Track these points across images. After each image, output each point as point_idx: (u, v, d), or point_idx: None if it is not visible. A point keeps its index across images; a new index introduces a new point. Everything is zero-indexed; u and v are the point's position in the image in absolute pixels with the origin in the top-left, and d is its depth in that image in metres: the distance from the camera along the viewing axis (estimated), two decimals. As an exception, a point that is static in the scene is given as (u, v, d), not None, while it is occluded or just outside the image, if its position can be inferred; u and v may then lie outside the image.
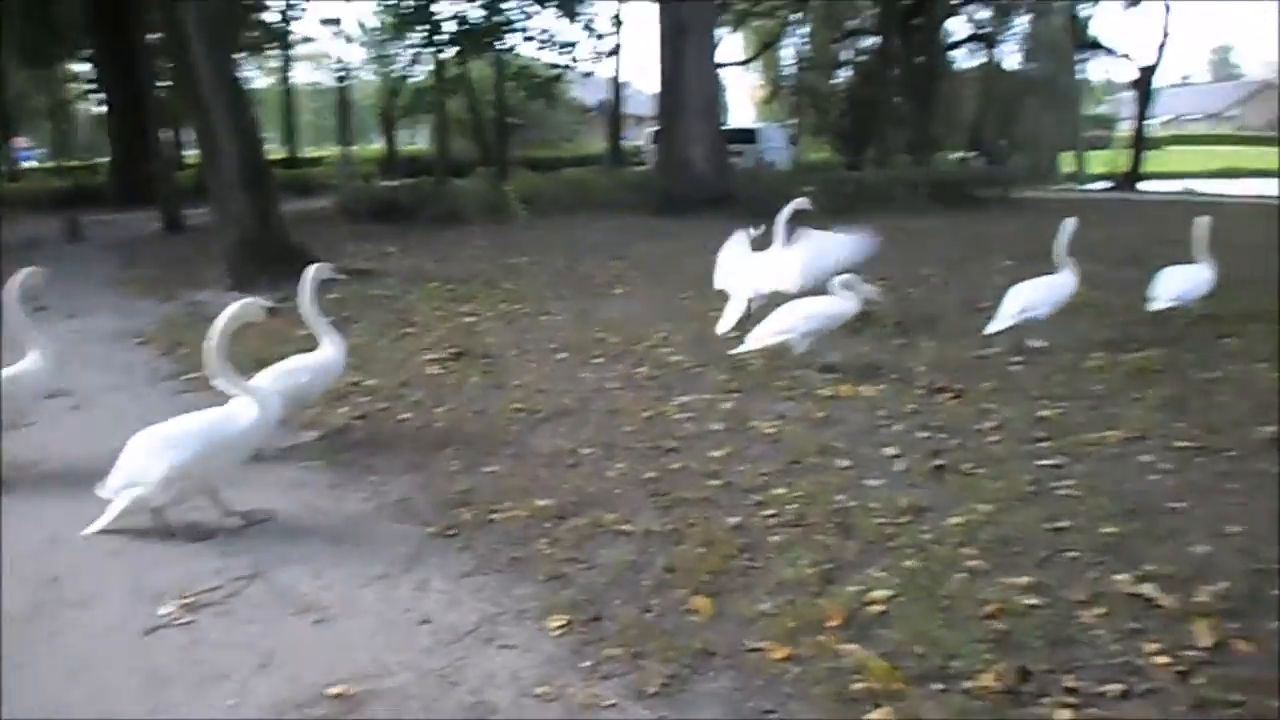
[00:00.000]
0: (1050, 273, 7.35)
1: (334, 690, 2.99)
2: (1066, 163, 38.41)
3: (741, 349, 6.73)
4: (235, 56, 13.64)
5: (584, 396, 6.23)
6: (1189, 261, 7.89)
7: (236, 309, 4.32)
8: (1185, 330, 7.80)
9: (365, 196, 19.30)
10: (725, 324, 7.62)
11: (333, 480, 4.87)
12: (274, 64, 37.17)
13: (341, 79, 33.26)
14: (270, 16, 24.56)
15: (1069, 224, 7.52)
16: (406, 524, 4.30)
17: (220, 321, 4.25)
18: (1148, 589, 3.46)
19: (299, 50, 37.93)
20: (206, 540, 4.17)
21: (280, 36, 24.32)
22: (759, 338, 6.66)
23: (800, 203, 8.40)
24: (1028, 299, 7.26)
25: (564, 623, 3.34)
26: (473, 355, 7.32)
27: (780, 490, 4.51)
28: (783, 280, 7.59)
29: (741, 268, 8.08)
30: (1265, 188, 30.78)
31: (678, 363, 7.04)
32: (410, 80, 36.31)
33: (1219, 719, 2.77)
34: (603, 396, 6.23)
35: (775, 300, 7.28)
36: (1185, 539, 3.92)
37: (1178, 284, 7.72)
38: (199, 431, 4.19)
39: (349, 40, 35.33)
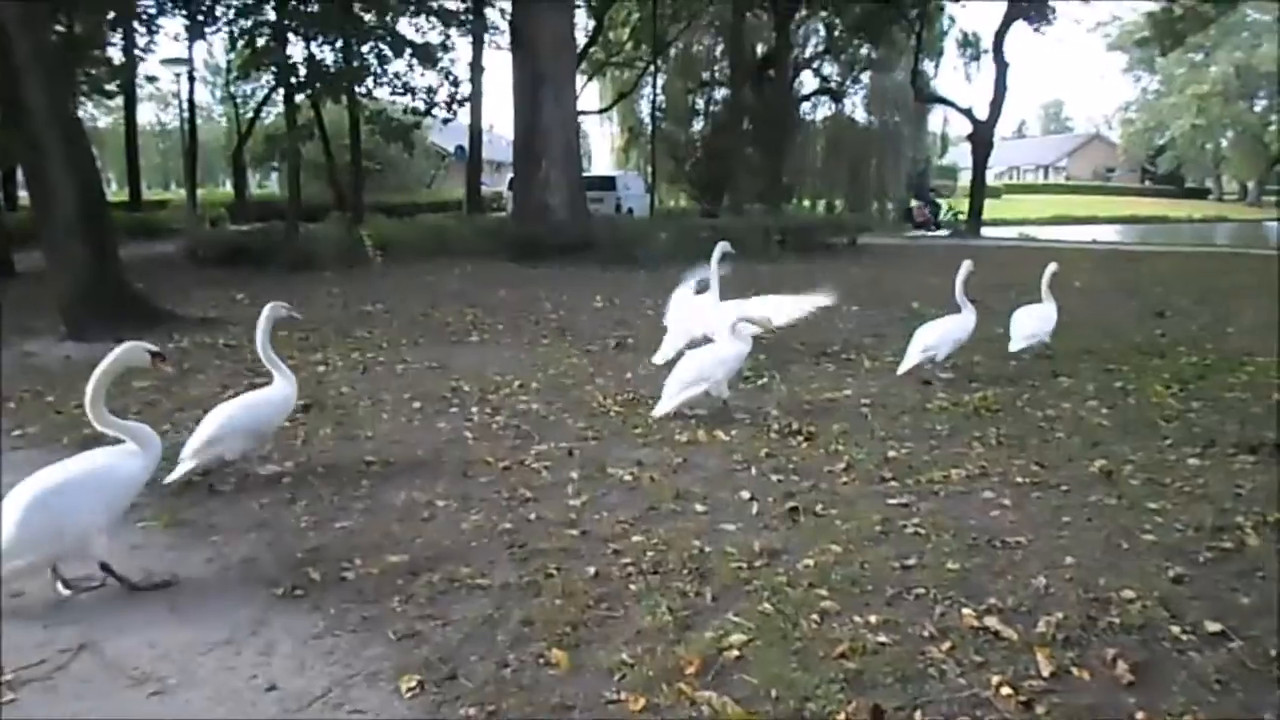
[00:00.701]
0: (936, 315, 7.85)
1: (171, 767, 2.83)
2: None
3: (660, 410, 6.63)
4: (74, 94, 13.02)
5: (439, 447, 6.12)
6: (1034, 302, 8.43)
7: (120, 353, 4.18)
8: (1022, 370, 8.23)
9: (214, 241, 18.68)
10: (660, 356, 8.35)
11: (172, 541, 4.61)
12: (116, 103, 35.79)
13: (188, 120, 32.24)
14: (112, 53, 23.57)
15: (966, 265, 8.07)
16: (251, 585, 4.10)
17: (104, 364, 4.11)
18: (991, 622, 3.60)
19: (143, 90, 36.73)
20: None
21: (122, 75, 23.38)
22: (672, 394, 6.61)
23: (724, 246, 8.92)
24: (930, 339, 7.76)
25: (417, 683, 3.24)
26: (324, 406, 7.12)
27: (638, 538, 4.51)
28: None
29: (686, 309, 8.86)
30: (1093, 233, 32.81)
31: (535, 411, 7.01)
32: (262, 122, 35.56)
33: (1058, 748, 2.88)
34: (458, 446, 6.14)
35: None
36: (1025, 571, 4.11)
37: (1032, 323, 8.36)
38: (97, 474, 4.00)
39: (194, 80, 34.25)
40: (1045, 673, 3.25)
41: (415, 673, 3.30)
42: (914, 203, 29.63)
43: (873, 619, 3.64)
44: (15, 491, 3.90)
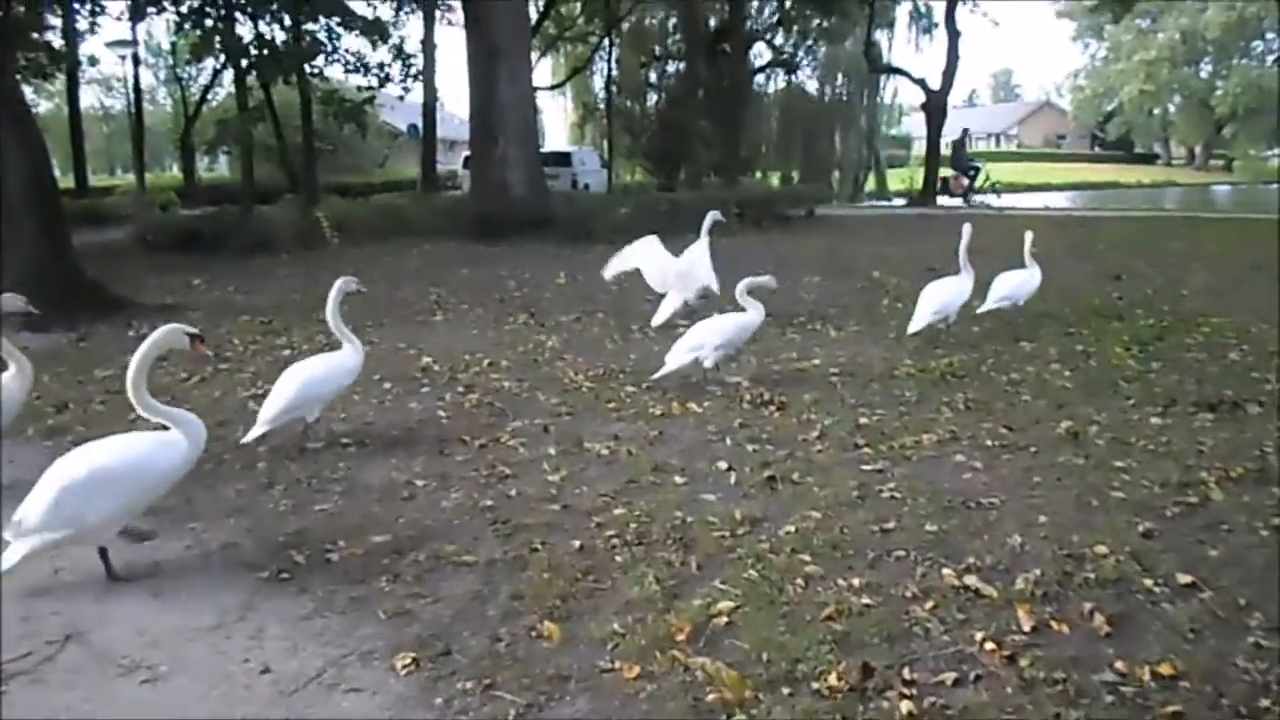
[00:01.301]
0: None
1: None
2: (879, 181, 40.46)
3: (659, 374, 6.79)
4: (14, 77, 12.65)
5: (413, 427, 6.13)
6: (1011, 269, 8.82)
7: (160, 336, 4.17)
8: (985, 335, 8.36)
9: (165, 227, 18.31)
10: (660, 318, 8.91)
11: (149, 529, 4.59)
12: (57, 87, 35.01)
13: (134, 103, 31.56)
14: (52, 36, 22.99)
15: (967, 230, 8.29)
16: (235, 570, 4.09)
17: (143, 348, 4.10)
18: (971, 580, 3.69)
19: (87, 73, 35.89)
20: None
21: (64, 59, 22.81)
22: (673, 360, 6.77)
23: (714, 215, 9.65)
24: (940, 300, 8.01)
25: (412, 660, 3.27)
26: (293, 390, 7.06)
27: (620, 510, 4.56)
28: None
29: (673, 267, 9.23)
30: (1045, 200, 33.16)
31: (507, 388, 7.01)
32: (210, 104, 34.91)
33: (1044, 696, 2.97)
34: (433, 426, 6.14)
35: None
36: (1000, 531, 4.21)
37: (1015, 285, 8.64)
38: (136, 464, 4.01)
39: (140, 63, 33.51)
40: (1026, 627, 3.35)
41: (409, 650, 3.33)
42: (949, 172, 28.98)
43: (856, 582, 3.73)
44: (61, 465, 3.95)
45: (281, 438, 5.68)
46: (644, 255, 9.41)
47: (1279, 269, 11.50)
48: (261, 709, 3.07)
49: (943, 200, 30.69)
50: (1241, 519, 4.33)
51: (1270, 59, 66.29)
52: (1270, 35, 63.92)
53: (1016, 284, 8.63)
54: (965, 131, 31.59)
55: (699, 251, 9.46)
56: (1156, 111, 72.28)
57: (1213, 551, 4.00)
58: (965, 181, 28.09)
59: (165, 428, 4.18)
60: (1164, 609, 3.50)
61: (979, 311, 8.54)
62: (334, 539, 4.33)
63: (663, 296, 9.35)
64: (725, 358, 6.97)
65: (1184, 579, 3.70)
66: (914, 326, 8.03)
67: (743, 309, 7.02)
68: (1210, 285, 11.57)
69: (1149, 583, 3.68)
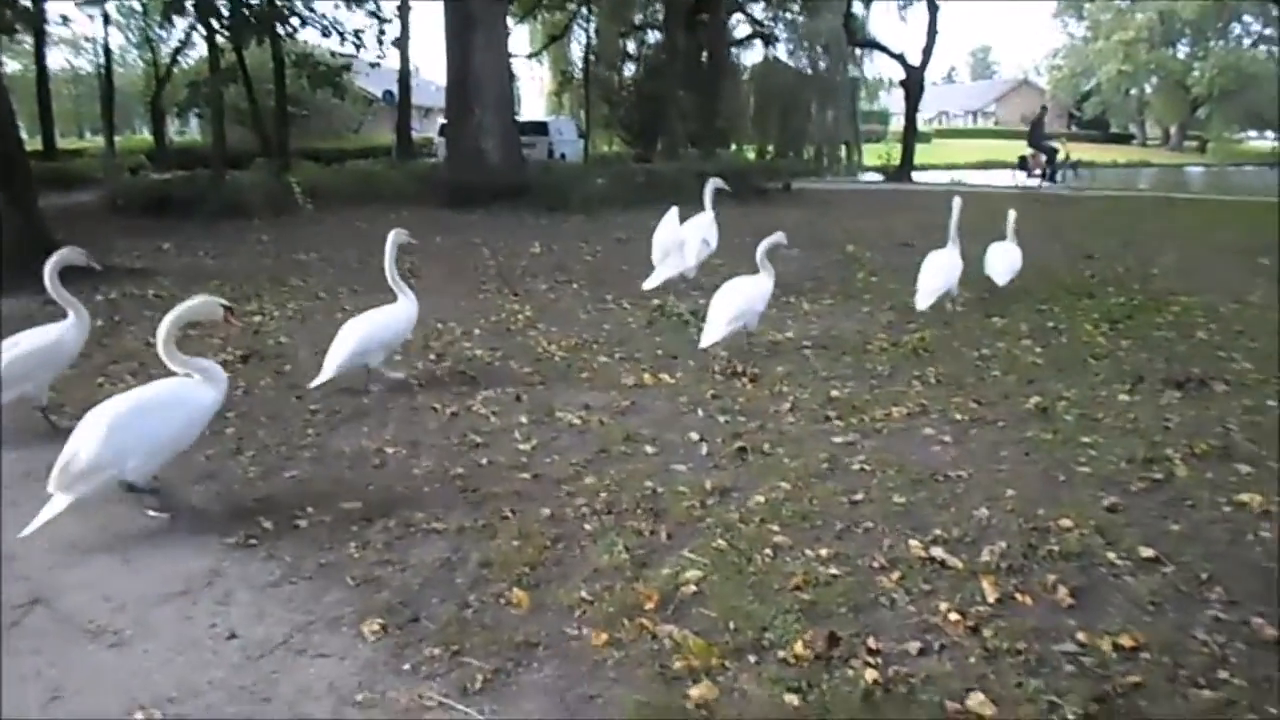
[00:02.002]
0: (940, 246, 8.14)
1: (138, 717, 2.82)
2: (851, 155, 40.34)
3: (707, 343, 6.76)
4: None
5: (384, 395, 6.09)
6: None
7: (195, 304, 4.38)
8: (957, 311, 8.40)
9: (136, 190, 18.05)
10: (652, 282, 9.13)
11: (116, 494, 4.55)
12: (25, 47, 34.37)
13: (104, 65, 31.05)
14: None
15: (957, 203, 8.52)
16: (203, 536, 4.07)
17: (177, 312, 4.29)
18: (938, 552, 3.73)
19: (55, 33, 35.27)
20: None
21: (31, 18, 22.36)
22: (715, 331, 6.73)
23: (715, 182, 9.71)
24: (942, 275, 8.13)
25: (380, 626, 3.27)
26: (263, 356, 7.02)
27: (590, 479, 4.57)
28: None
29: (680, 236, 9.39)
30: (1022, 178, 33.20)
31: (479, 357, 6.99)
32: (181, 66, 34.39)
33: (1007, 665, 3.01)
34: (404, 394, 6.11)
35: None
36: (967, 504, 4.25)
37: (1010, 260, 8.86)
38: (176, 405, 4.24)
39: (110, 22, 32.97)
40: (991, 599, 3.39)
41: (377, 616, 3.33)
42: (1028, 151, 28.67)
43: (824, 552, 3.75)
44: (97, 412, 4.08)
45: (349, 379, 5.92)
46: (662, 227, 9.63)
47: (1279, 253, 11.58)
48: (228, 674, 3.06)
49: (918, 176, 30.70)
50: (1204, 495, 4.39)
51: (1247, 42, 66.73)
52: (1247, 18, 64.27)
53: (1015, 258, 8.88)
54: (1044, 109, 31.09)
55: (705, 219, 9.61)
56: (1133, 92, 72.55)
57: (1175, 526, 4.05)
58: (1043, 159, 27.67)
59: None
60: (1126, 582, 3.55)
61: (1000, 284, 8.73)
62: (303, 505, 4.31)
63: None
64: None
65: (1146, 553, 3.75)
66: (924, 304, 8.08)
67: (746, 279, 7.14)
68: (1180, 265, 11.66)
69: (1112, 556, 3.73)
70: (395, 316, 6.23)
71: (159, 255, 12.00)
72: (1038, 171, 27.31)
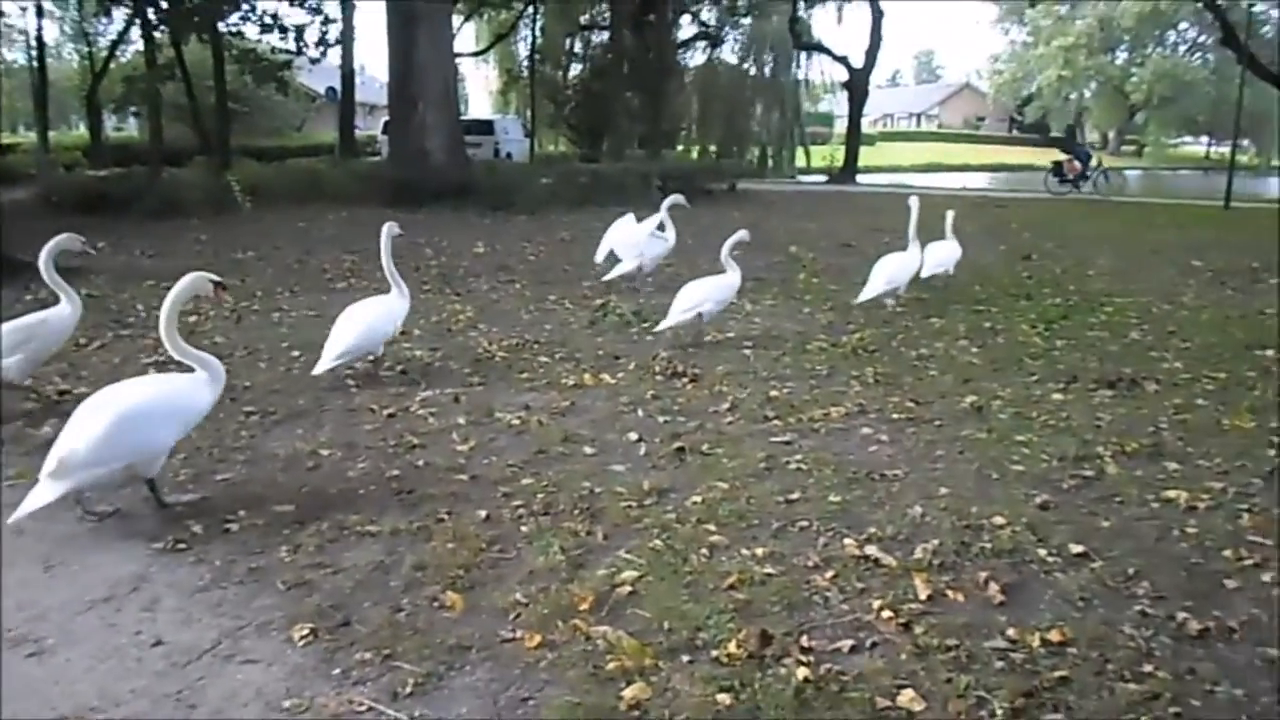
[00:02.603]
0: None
1: (56, 727, 2.75)
2: (791, 157, 40.62)
3: (661, 326, 7.23)
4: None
5: (320, 396, 6.00)
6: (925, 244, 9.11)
7: (187, 282, 4.40)
8: (896, 311, 8.49)
9: (70, 187, 17.64)
10: (612, 275, 9.51)
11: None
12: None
13: (37, 58, 30.31)
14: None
15: (914, 203, 8.70)
16: (130, 541, 3.97)
17: (172, 296, 4.31)
18: (872, 550, 3.76)
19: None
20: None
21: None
22: (673, 316, 7.15)
23: (675, 198, 9.91)
24: (890, 272, 8.42)
25: (310, 631, 3.21)
26: (198, 357, 6.88)
27: (528, 480, 4.54)
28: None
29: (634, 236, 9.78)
30: (964, 180, 33.70)
31: (419, 358, 6.93)
32: (118, 60, 33.62)
33: (937, 662, 3.04)
34: (341, 395, 6.03)
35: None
36: (902, 502, 4.29)
37: (943, 254, 9.28)
38: (178, 398, 4.25)
39: (43, 14, 32.19)
40: (923, 596, 3.42)
41: (307, 621, 3.27)
42: (1063, 156, 28.79)
43: (759, 551, 3.76)
44: (94, 402, 4.09)
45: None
46: (617, 228, 10.03)
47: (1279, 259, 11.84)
48: (152, 682, 2.99)
49: (862, 178, 30.97)
50: (1134, 492, 4.47)
51: (1183, 49, 68.30)
52: (1184, 26, 65.77)
53: (947, 254, 9.28)
54: (1079, 116, 31.57)
55: (650, 222, 9.92)
56: (1073, 96, 73.85)
57: (1105, 523, 4.12)
58: (1078, 166, 27.93)
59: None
60: (1056, 578, 3.60)
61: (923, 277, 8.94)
62: (234, 509, 4.22)
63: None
64: (716, 315, 7.49)
65: (1076, 549, 3.81)
66: (864, 296, 8.31)
67: (717, 277, 7.47)
68: (1116, 267, 11.91)
69: (1043, 552, 3.78)
70: (391, 308, 6.42)
71: (93, 254, 11.70)
72: (1070, 176, 27.67)
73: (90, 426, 3.93)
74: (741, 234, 7.65)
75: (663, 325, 7.19)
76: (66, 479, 3.87)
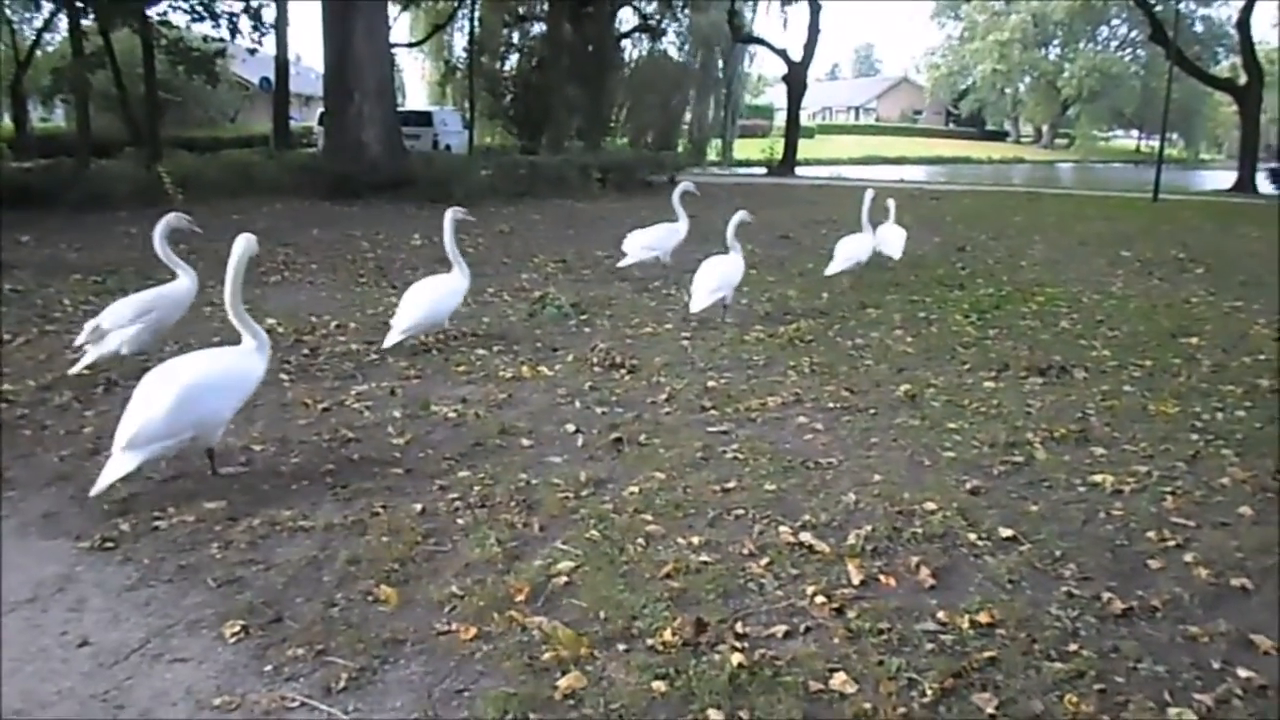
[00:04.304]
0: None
1: (-25, 730, 2.68)
2: (726, 149, 40.84)
3: (695, 309, 7.63)
4: None
5: (254, 390, 5.89)
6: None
7: (241, 246, 4.55)
8: (833, 301, 8.59)
9: (-8, 179, 17.19)
10: (626, 263, 9.84)
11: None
12: None
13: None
14: None
15: (869, 195, 9.42)
16: (55, 540, 3.88)
17: (234, 266, 4.49)
18: (806, 537, 3.80)
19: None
20: None
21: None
22: (700, 301, 7.60)
23: (685, 186, 10.00)
24: (853, 250, 9.30)
25: (241, 628, 3.17)
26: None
27: (464, 473, 4.52)
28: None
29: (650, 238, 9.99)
30: (901, 173, 34.14)
31: (355, 351, 6.85)
32: (44, 49, 32.71)
33: (869, 645, 3.08)
34: (274, 389, 5.93)
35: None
36: (836, 489, 4.35)
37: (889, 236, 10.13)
38: (237, 370, 4.51)
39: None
40: (856, 581, 3.46)
41: (239, 618, 3.22)
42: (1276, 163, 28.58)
43: (695, 540, 3.79)
44: (157, 376, 4.31)
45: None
46: (634, 236, 10.13)
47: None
48: (78, 683, 2.92)
49: (802, 171, 31.06)
50: (1062, 476, 4.57)
51: (1114, 44, 69.79)
52: (1115, 22, 67.20)
53: (895, 236, 10.16)
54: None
55: (661, 227, 10.07)
56: (1007, 91, 75.20)
57: (1034, 507, 4.21)
58: None
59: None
60: (985, 561, 3.67)
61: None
62: (163, 506, 4.15)
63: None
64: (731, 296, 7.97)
65: (1005, 532, 3.89)
66: (831, 270, 9.26)
67: (723, 258, 7.89)
68: (1047, 257, 12.16)
69: (973, 537, 3.85)
70: (453, 286, 6.88)
71: (17, 248, 11.42)
72: None
73: (159, 399, 4.15)
74: (742, 214, 7.99)
75: (694, 308, 7.63)
76: (142, 450, 4.09)
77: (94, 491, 4.05)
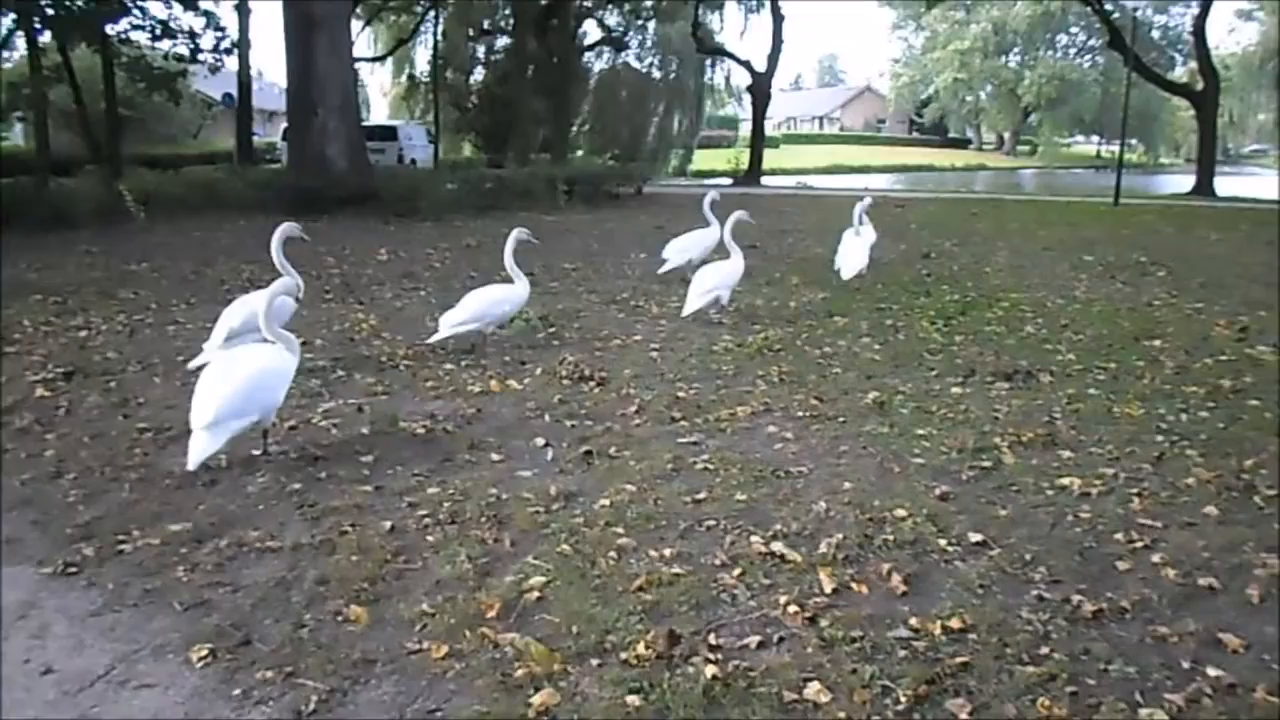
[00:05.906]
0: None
1: (-67, 762, 2.62)
2: (692, 160, 40.97)
3: (686, 312, 8.03)
4: None
5: (220, 409, 5.83)
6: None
7: (277, 286, 5.29)
8: (800, 310, 8.62)
9: (-52, 200, 16.92)
10: (665, 269, 10.36)
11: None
12: None
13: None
14: None
15: (867, 200, 10.20)
16: (17, 565, 3.81)
17: (267, 296, 5.17)
18: (778, 547, 3.81)
19: None
20: None
21: None
22: (693, 301, 7.99)
23: (714, 195, 10.52)
24: (856, 250, 9.76)
25: (209, 652, 3.12)
26: (88, 373, 6.64)
27: (434, 490, 4.49)
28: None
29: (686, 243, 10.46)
30: (865, 182, 34.38)
31: (321, 367, 6.79)
32: (4, 65, 32.30)
33: (843, 654, 3.08)
34: (242, 408, 5.87)
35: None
36: (807, 498, 4.35)
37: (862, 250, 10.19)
38: (283, 362, 4.99)
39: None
40: (828, 589, 3.47)
41: (206, 641, 3.18)
42: None
43: (667, 552, 3.78)
44: (220, 368, 4.81)
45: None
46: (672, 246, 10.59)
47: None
48: (42, 711, 2.87)
49: (767, 180, 31.16)
50: (1030, 480, 4.60)
51: (1073, 52, 70.80)
52: (1074, 29, 68.17)
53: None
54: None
55: (700, 233, 10.40)
56: (969, 99, 76.03)
57: (1003, 511, 4.23)
58: None
59: None
60: (956, 566, 3.69)
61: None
62: (128, 529, 4.09)
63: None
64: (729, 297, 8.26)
65: (975, 538, 3.91)
66: (846, 274, 9.81)
67: (723, 262, 8.27)
68: (1011, 263, 12.27)
69: (943, 542, 3.87)
70: (510, 294, 7.25)
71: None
72: None
73: (230, 384, 4.61)
74: (740, 214, 8.33)
75: (686, 311, 7.97)
76: (222, 428, 4.52)
77: (189, 467, 4.46)
